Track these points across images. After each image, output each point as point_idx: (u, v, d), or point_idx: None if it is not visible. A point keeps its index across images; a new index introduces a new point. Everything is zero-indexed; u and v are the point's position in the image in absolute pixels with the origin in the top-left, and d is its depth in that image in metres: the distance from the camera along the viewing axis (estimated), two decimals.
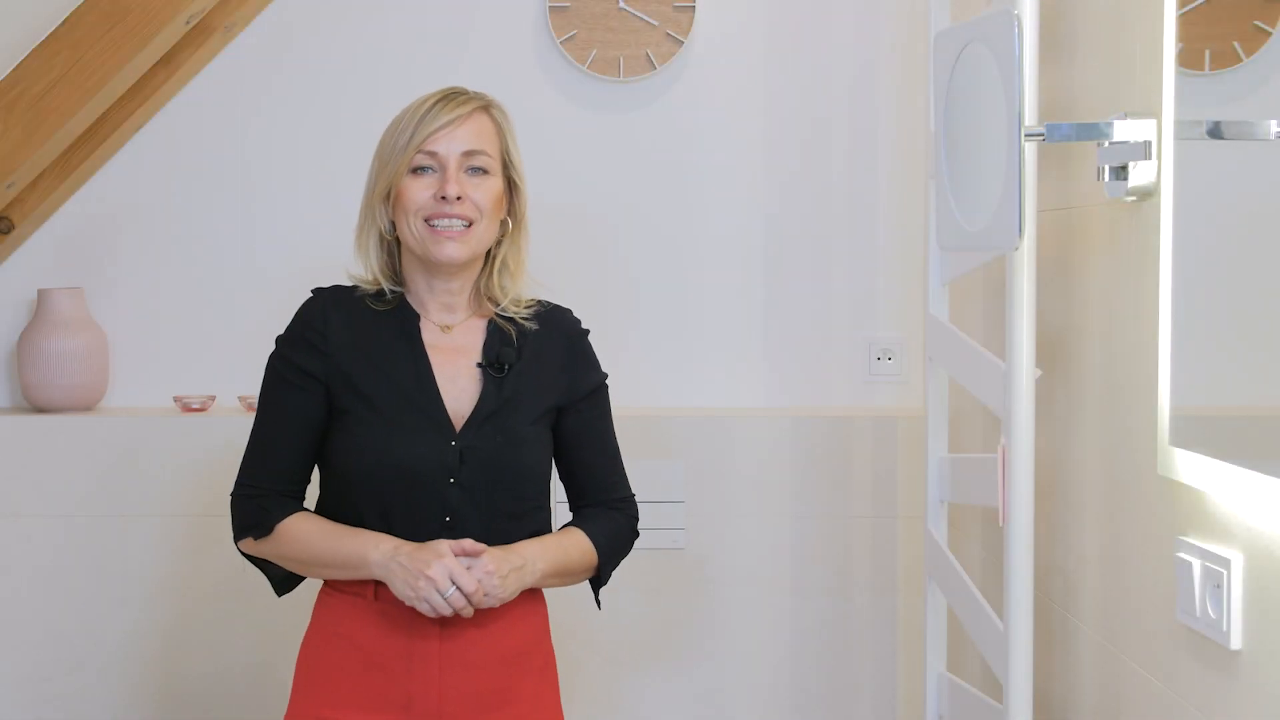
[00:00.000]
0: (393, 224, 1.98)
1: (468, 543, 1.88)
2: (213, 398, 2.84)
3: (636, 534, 2.10)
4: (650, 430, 2.76)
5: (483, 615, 1.91)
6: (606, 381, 2.09)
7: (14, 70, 2.53)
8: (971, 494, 2.19)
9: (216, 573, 2.77)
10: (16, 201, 2.74)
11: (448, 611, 1.84)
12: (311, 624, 2.00)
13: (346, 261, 2.16)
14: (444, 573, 1.83)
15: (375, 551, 1.88)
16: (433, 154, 1.94)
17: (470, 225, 1.94)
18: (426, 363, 1.96)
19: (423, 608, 1.84)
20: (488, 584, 1.86)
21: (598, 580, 2.05)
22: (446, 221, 1.93)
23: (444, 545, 1.86)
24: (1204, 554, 1.51)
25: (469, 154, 1.94)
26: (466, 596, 1.84)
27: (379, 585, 1.91)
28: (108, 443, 2.76)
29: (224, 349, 2.88)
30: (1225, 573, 1.46)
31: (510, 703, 1.94)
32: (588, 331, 2.09)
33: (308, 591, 2.17)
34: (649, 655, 2.79)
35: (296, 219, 2.88)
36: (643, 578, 2.77)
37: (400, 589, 1.85)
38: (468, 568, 1.85)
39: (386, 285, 1.99)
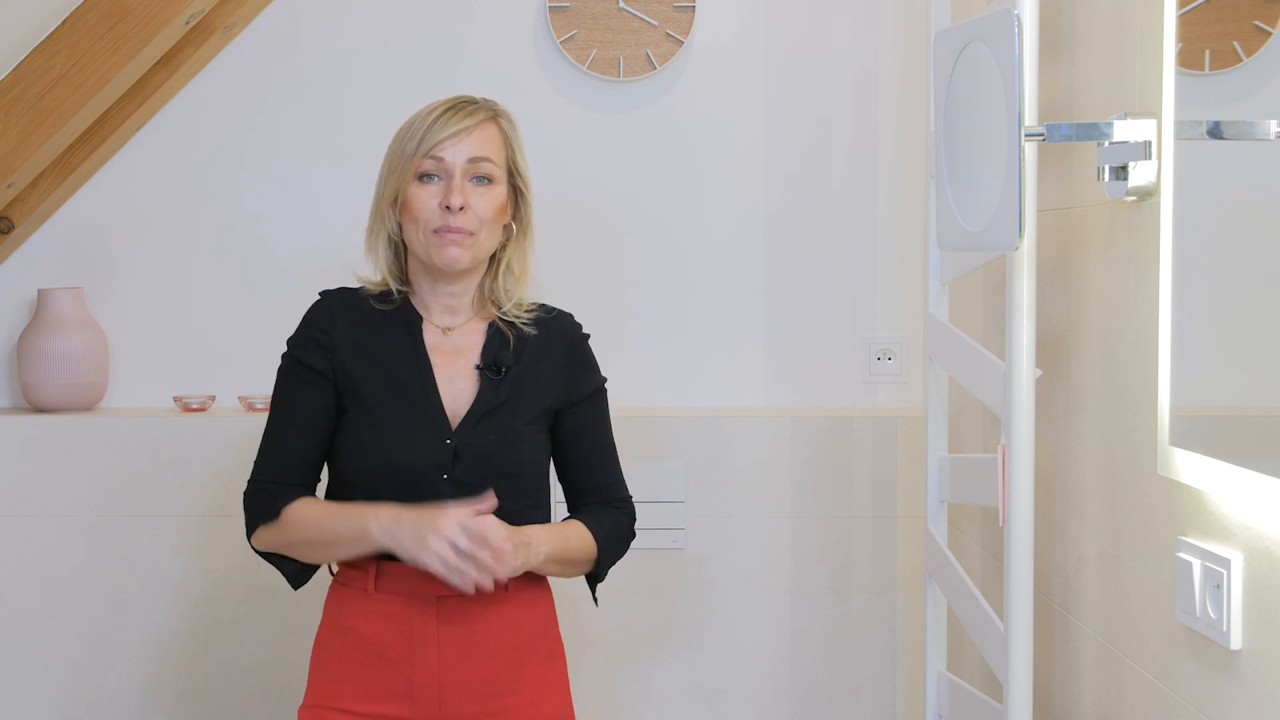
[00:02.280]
0: (400, 227, 2.02)
1: (473, 508, 1.88)
2: (213, 398, 2.84)
3: (634, 534, 2.13)
4: (650, 430, 2.76)
5: (482, 605, 1.94)
6: (606, 386, 2.12)
7: (14, 70, 2.53)
8: (971, 494, 2.19)
9: (219, 572, 2.77)
10: (16, 201, 2.74)
11: (459, 568, 1.82)
12: (323, 618, 2.05)
13: (348, 260, 2.18)
14: (453, 524, 1.83)
15: (376, 521, 1.89)
16: (439, 160, 1.97)
17: (473, 234, 1.97)
18: (427, 363, 2.01)
19: (435, 564, 1.84)
20: (498, 537, 1.84)
21: (595, 576, 2.08)
22: (451, 234, 1.97)
23: (449, 506, 1.87)
24: (1204, 554, 1.51)
25: (474, 161, 1.99)
26: (484, 538, 1.83)
27: (378, 576, 1.95)
28: (108, 443, 2.76)
29: (224, 349, 2.88)
30: (1225, 573, 1.46)
31: (513, 692, 1.97)
32: (588, 336, 2.12)
33: (315, 589, 2.18)
34: (649, 655, 2.79)
35: (296, 219, 2.88)
36: (643, 578, 2.77)
37: (411, 550, 1.85)
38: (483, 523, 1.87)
39: (394, 285, 2.04)
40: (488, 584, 1.86)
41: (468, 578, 1.84)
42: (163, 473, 2.77)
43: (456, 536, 1.83)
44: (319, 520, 1.96)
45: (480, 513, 1.87)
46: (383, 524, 1.88)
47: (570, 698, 2.07)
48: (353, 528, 1.92)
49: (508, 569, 1.87)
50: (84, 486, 2.77)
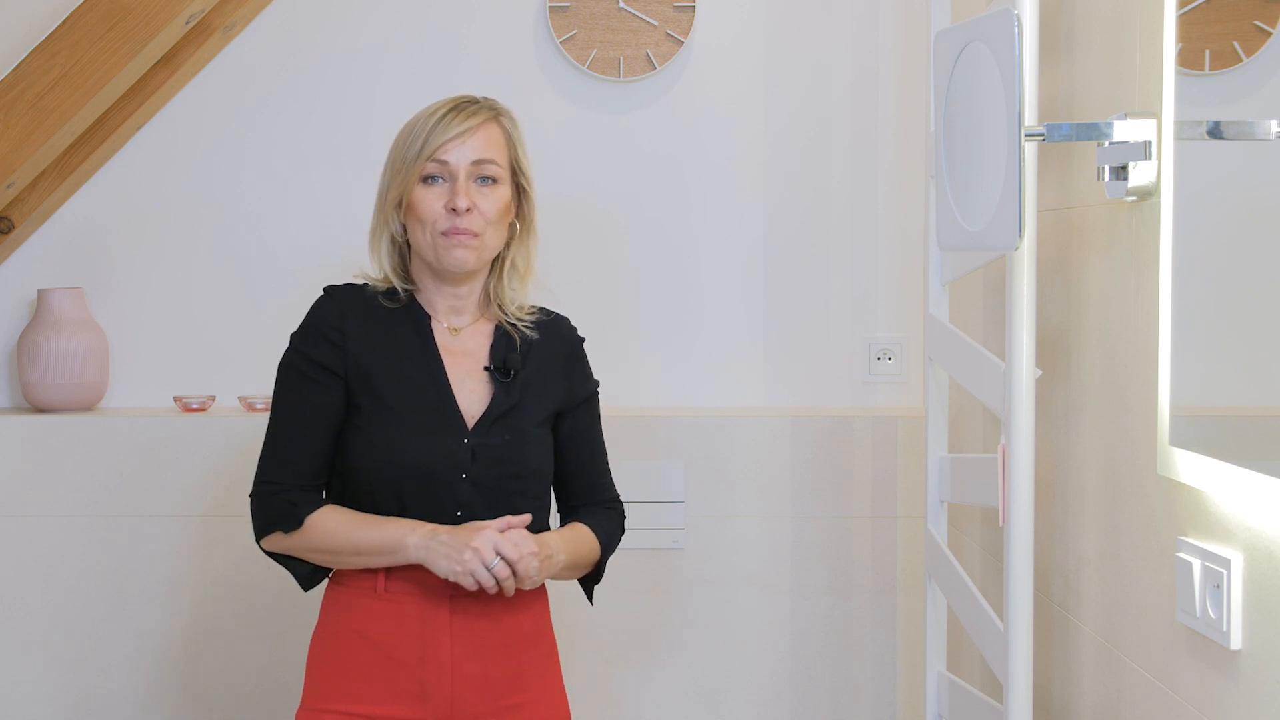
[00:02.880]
0: (404, 228, 2.02)
1: (511, 519, 1.93)
2: (213, 398, 2.84)
3: (624, 531, 2.17)
4: (650, 430, 2.76)
5: (489, 604, 1.96)
6: (598, 388, 2.16)
7: (14, 70, 2.53)
8: (971, 494, 2.19)
9: (220, 572, 2.77)
10: (16, 201, 2.74)
11: (491, 583, 1.88)
12: (320, 619, 2.03)
13: (348, 260, 2.17)
14: (489, 543, 1.88)
15: (413, 535, 1.92)
16: (443, 163, 1.97)
17: (479, 235, 1.98)
18: (440, 363, 2.01)
19: (466, 581, 1.88)
20: (529, 564, 1.89)
21: (594, 576, 2.11)
22: (458, 235, 1.97)
23: (485, 524, 1.92)
24: (1204, 554, 1.51)
25: (479, 163, 1.99)
26: (512, 565, 1.88)
27: (387, 578, 1.95)
28: (108, 443, 2.76)
29: (224, 349, 2.88)
30: (1225, 573, 1.46)
31: (519, 689, 1.99)
32: (584, 340, 2.13)
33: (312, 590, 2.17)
34: (649, 655, 2.79)
35: (296, 219, 2.88)
36: (643, 578, 2.77)
37: (444, 566, 1.89)
38: (514, 544, 1.90)
39: (399, 284, 2.03)
40: (509, 591, 1.92)
41: (492, 588, 1.90)
42: (162, 473, 2.76)
43: (490, 556, 1.88)
44: (349, 532, 1.95)
45: (512, 525, 1.91)
46: (419, 539, 1.91)
47: (566, 696, 2.08)
48: (387, 541, 1.93)
49: (531, 584, 1.93)
50: (84, 486, 2.76)
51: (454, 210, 1.96)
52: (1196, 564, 1.52)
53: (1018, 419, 1.83)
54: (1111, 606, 1.84)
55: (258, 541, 2.01)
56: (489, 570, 1.87)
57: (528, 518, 1.94)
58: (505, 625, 1.98)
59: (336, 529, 1.95)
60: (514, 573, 1.89)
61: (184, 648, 2.78)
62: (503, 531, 1.91)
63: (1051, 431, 2.05)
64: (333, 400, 1.99)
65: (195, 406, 2.81)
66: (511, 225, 2.06)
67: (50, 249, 2.88)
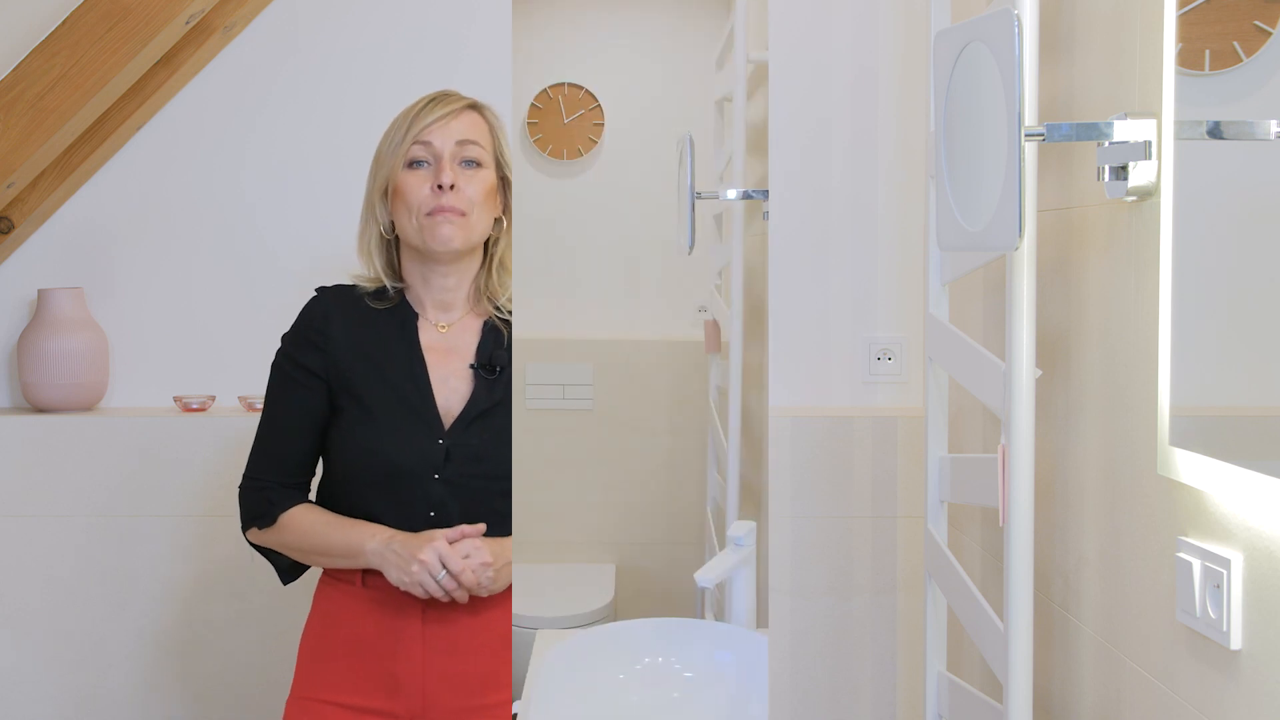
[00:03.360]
0: (392, 223, 2.03)
1: (465, 528, 1.92)
2: (213, 398, 2.84)
3: None
4: None
5: (471, 600, 1.96)
6: None
7: (14, 70, 2.53)
8: (971, 494, 2.19)
9: (219, 571, 2.77)
10: (16, 201, 2.74)
11: (440, 594, 1.89)
12: (310, 613, 2.05)
13: (345, 261, 2.17)
14: (435, 556, 1.90)
15: (371, 541, 1.94)
16: (427, 144, 1.98)
17: (464, 214, 1.98)
18: (422, 363, 2.01)
19: (416, 591, 1.91)
20: (482, 575, 1.90)
21: None
22: (443, 213, 1.97)
23: (437, 532, 1.92)
24: (1204, 554, 1.51)
25: (462, 144, 2.00)
26: (456, 578, 1.88)
27: (367, 573, 1.98)
28: (108, 443, 2.76)
29: (224, 349, 2.88)
30: (1225, 573, 1.46)
31: (500, 687, 1.99)
32: None
33: (310, 586, 2.18)
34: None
35: (295, 219, 2.88)
36: None
37: (394, 575, 1.91)
38: (465, 556, 1.89)
39: (389, 282, 2.05)
40: (462, 600, 1.93)
41: (443, 599, 1.92)
42: (162, 473, 2.77)
43: (436, 569, 1.90)
44: (317, 532, 1.98)
45: (467, 534, 1.91)
46: (376, 545, 1.93)
47: None
48: (348, 544, 1.95)
49: (486, 592, 1.94)
50: (83, 486, 2.77)
51: (439, 188, 1.97)
52: (1196, 564, 1.52)
53: (1018, 419, 1.82)
54: (1111, 606, 1.84)
55: (243, 533, 2.05)
56: (437, 581, 1.88)
57: (482, 527, 1.94)
58: (483, 624, 1.99)
59: (307, 529, 1.98)
60: (460, 584, 1.90)
61: (183, 647, 2.78)
62: (455, 541, 1.91)
63: (1051, 431, 2.05)
64: (315, 402, 2.01)
65: (195, 406, 2.81)
66: (498, 221, 2.06)
67: (50, 249, 2.88)
